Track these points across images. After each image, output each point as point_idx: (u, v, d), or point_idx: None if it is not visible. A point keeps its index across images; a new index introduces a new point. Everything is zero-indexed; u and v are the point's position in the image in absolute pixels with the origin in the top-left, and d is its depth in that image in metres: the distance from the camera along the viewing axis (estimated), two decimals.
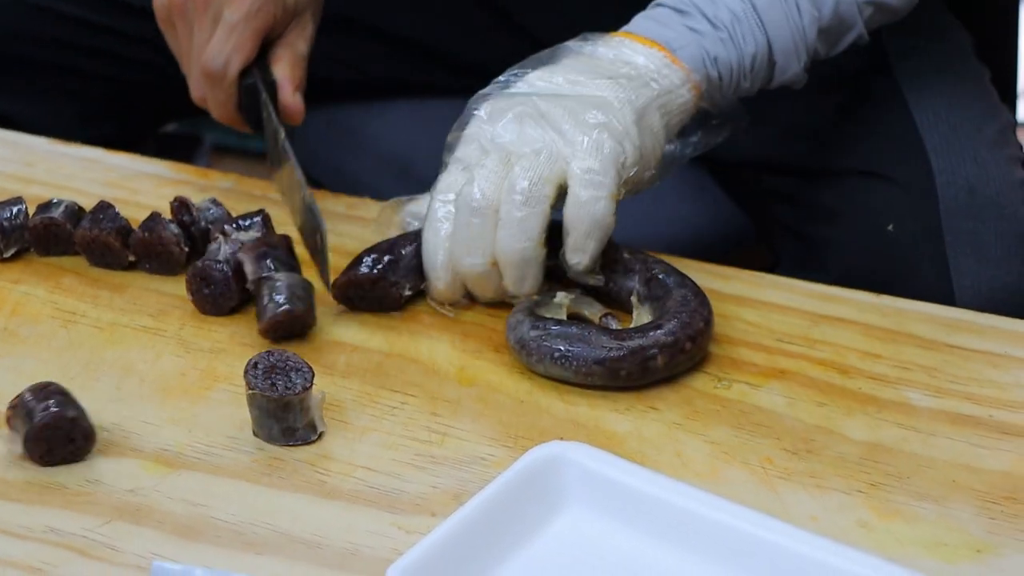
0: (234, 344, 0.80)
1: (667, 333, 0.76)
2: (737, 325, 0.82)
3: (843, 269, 0.93)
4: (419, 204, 0.86)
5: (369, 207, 0.95)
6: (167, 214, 0.88)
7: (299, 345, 0.80)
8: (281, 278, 0.80)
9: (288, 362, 0.72)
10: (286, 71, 0.94)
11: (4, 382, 0.76)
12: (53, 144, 1.02)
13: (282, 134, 0.89)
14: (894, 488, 0.70)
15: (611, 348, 0.75)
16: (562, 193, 0.79)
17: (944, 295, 0.88)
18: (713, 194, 1.11)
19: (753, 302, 0.85)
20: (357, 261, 0.82)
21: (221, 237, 0.83)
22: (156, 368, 0.78)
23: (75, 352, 0.79)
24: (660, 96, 0.82)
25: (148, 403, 0.75)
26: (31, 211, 0.88)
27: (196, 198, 0.89)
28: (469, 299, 0.83)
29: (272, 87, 0.93)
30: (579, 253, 0.79)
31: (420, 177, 1.01)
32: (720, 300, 0.83)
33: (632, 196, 0.83)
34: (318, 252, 0.83)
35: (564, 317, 0.80)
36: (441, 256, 0.81)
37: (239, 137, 2.09)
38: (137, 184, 0.97)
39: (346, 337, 0.81)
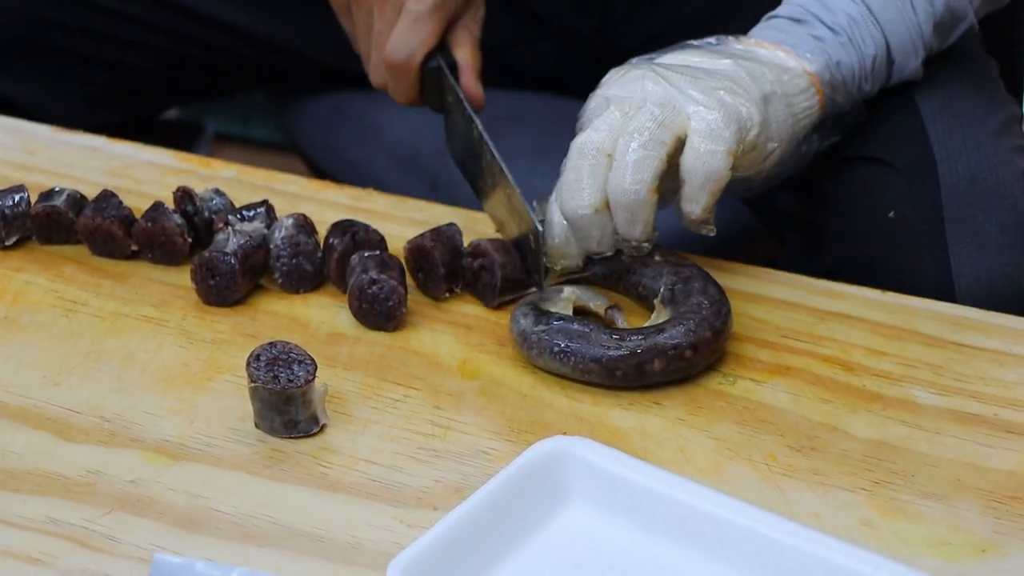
0: (236, 335, 0.80)
1: (669, 338, 0.75)
2: (742, 321, 0.81)
3: (844, 256, 0.92)
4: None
5: (375, 200, 0.94)
6: (170, 203, 0.87)
7: (301, 337, 0.80)
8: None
9: (291, 354, 0.72)
10: (467, 57, 0.94)
11: (4, 371, 0.76)
12: (56, 132, 1.01)
13: (478, 124, 0.88)
14: (898, 486, 0.69)
15: (610, 347, 0.75)
16: (680, 145, 0.78)
17: (944, 282, 0.87)
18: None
19: (759, 298, 0.84)
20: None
21: (229, 229, 0.83)
22: (158, 358, 0.78)
23: (76, 341, 0.79)
24: (786, 92, 0.83)
25: (149, 393, 0.75)
26: (33, 199, 0.88)
27: (199, 188, 0.89)
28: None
29: (452, 70, 0.93)
30: (692, 203, 0.78)
31: (426, 166, 1.01)
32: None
33: (761, 179, 0.83)
34: (529, 251, 0.82)
35: (570, 312, 0.80)
36: (556, 215, 0.80)
37: (242, 126, 2.09)
38: (140, 173, 0.97)
39: (348, 329, 0.81)
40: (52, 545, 0.64)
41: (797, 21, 0.87)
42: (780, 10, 0.89)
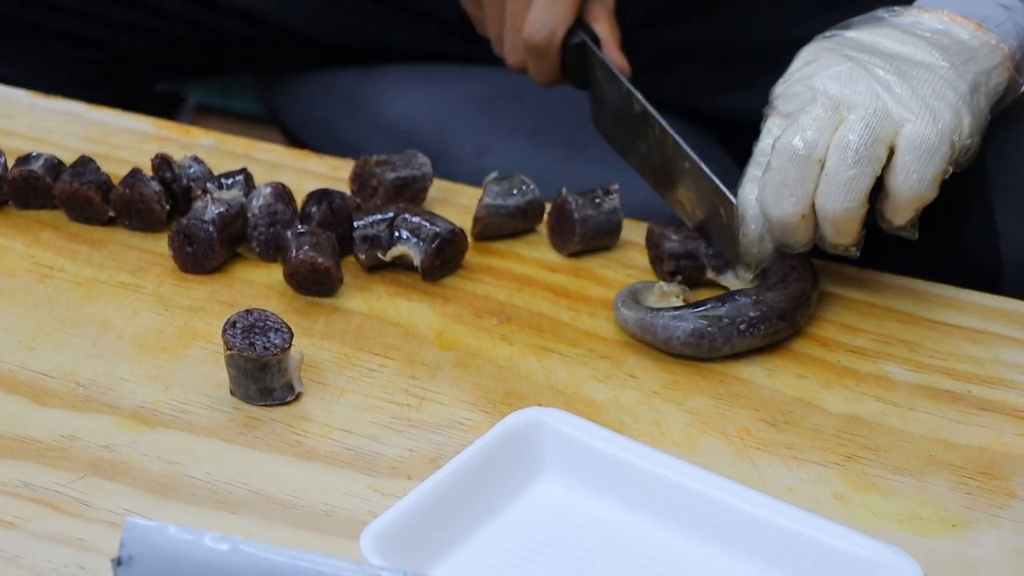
0: (213, 303, 0.80)
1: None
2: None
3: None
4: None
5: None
6: (148, 170, 0.87)
7: (278, 306, 0.79)
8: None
9: (267, 322, 0.72)
10: (607, 29, 0.93)
11: None
12: (34, 97, 1.01)
13: (640, 98, 0.86)
14: (871, 461, 0.70)
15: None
16: (889, 153, 0.75)
17: (990, 248, 0.87)
18: (722, 164, 1.10)
19: None
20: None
21: (207, 197, 0.83)
22: (134, 325, 0.78)
23: (52, 307, 0.79)
24: (985, 73, 0.79)
25: (125, 360, 0.75)
26: (10, 164, 0.88)
27: (178, 155, 0.89)
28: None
29: (595, 44, 0.91)
30: (896, 216, 0.76)
31: (422, 145, 1.00)
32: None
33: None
34: (722, 226, 0.79)
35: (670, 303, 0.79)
36: (752, 209, 0.77)
37: (222, 97, 2.08)
38: (119, 140, 0.96)
39: (325, 299, 0.81)
40: (25, 509, 0.64)
41: None
42: None
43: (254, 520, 0.64)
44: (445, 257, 0.82)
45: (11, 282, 0.81)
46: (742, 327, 0.75)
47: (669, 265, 0.82)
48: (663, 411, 0.73)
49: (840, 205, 0.74)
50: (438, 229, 0.82)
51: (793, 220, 0.75)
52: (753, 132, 1.05)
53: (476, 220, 0.85)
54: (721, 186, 0.79)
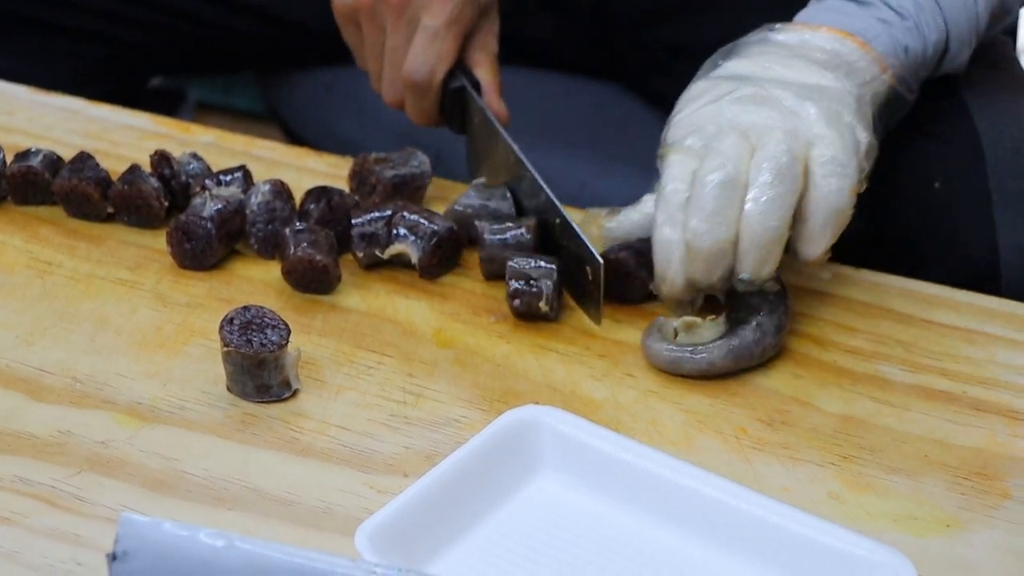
0: (211, 299, 0.80)
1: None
2: None
3: (888, 227, 0.92)
4: (618, 218, 0.82)
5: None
6: (147, 167, 0.87)
7: (276, 303, 0.80)
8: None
9: (264, 318, 0.72)
10: (488, 75, 0.92)
11: None
12: (34, 93, 1.01)
13: (515, 148, 0.85)
14: (866, 461, 0.70)
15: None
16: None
17: (989, 252, 0.87)
18: None
19: None
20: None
21: (206, 193, 0.83)
22: (132, 321, 0.78)
23: (50, 303, 0.79)
24: (867, 84, 0.80)
25: (123, 356, 0.75)
26: (9, 160, 0.88)
27: (177, 152, 0.89)
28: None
29: (475, 89, 0.91)
30: (812, 244, 0.75)
31: (423, 144, 1.00)
32: None
33: None
34: (586, 284, 0.78)
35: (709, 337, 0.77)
36: (676, 252, 0.75)
37: (224, 94, 2.08)
38: (118, 136, 0.96)
39: (324, 296, 0.81)
40: (21, 504, 0.64)
41: (860, 3, 0.84)
42: None
43: (250, 516, 0.65)
44: (443, 255, 0.82)
45: (9, 278, 0.81)
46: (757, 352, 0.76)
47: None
48: (660, 410, 0.73)
49: (769, 224, 0.73)
50: (436, 227, 0.82)
51: (724, 247, 0.74)
52: None
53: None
54: (589, 245, 0.78)
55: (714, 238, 0.73)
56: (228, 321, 0.72)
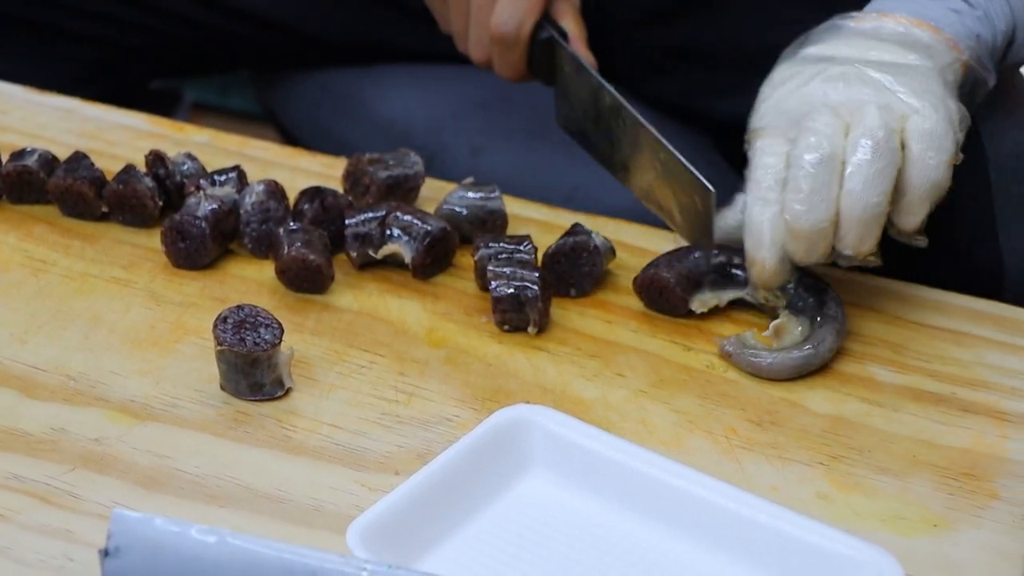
0: (204, 298, 0.80)
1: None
2: None
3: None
4: (722, 217, 0.81)
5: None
6: (142, 167, 0.87)
7: (270, 302, 0.80)
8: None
9: (257, 317, 0.72)
10: (574, 25, 0.93)
11: None
12: (29, 93, 1.01)
13: (611, 90, 0.85)
14: (855, 461, 0.70)
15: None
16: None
17: (992, 257, 0.88)
18: (721, 174, 1.10)
19: None
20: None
21: (200, 193, 0.83)
22: (125, 319, 0.78)
23: (44, 301, 0.79)
24: (949, 67, 0.80)
25: (116, 354, 0.75)
26: (4, 159, 0.88)
27: (172, 152, 0.89)
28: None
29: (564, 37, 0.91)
30: (911, 216, 0.75)
31: (419, 145, 1.00)
32: None
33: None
34: (697, 214, 0.78)
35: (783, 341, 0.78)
36: (768, 234, 0.75)
37: (220, 95, 2.08)
38: (113, 136, 0.97)
39: (317, 295, 0.81)
40: (14, 501, 0.65)
41: None
42: None
43: (242, 514, 0.65)
44: (436, 255, 0.83)
45: (4, 276, 0.81)
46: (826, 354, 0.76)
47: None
48: (650, 410, 0.73)
49: (869, 201, 0.73)
50: (429, 227, 0.82)
51: (825, 227, 0.74)
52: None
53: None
54: (698, 175, 0.78)
55: (815, 218, 0.73)
56: (222, 320, 0.72)
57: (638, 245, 0.86)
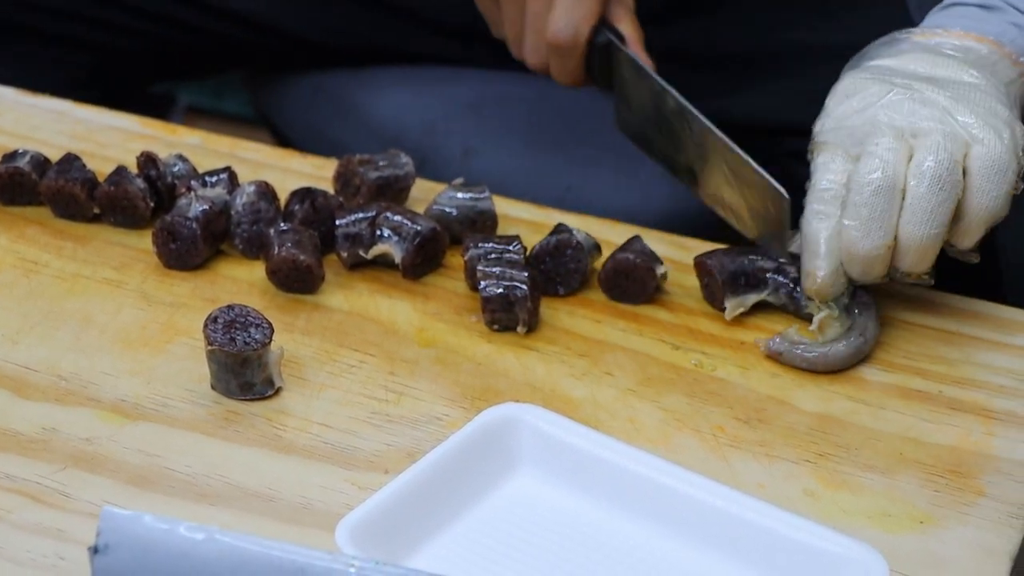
0: (195, 299, 0.81)
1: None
2: (696, 295, 0.83)
3: None
4: (797, 236, 0.81)
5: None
6: (134, 168, 0.88)
7: (260, 302, 0.80)
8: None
9: (248, 317, 0.73)
10: (631, 29, 0.93)
11: None
12: (21, 95, 1.01)
13: (675, 94, 0.85)
14: (842, 459, 0.71)
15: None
16: None
17: (990, 254, 0.87)
18: None
19: None
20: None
21: (192, 194, 0.84)
22: (117, 320, 0.78)
23: (36, 301, 0.80)
24: (1013, 84, 0.80)
25: (107, 354, 0.75)
26: None
27: (163, 153, 0.89)
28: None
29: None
30: (967, 239, 0.76)
31: (411, 147, 1.00)
32: (684, 271, 0.83)
33: None
34: (772, 220, 0.79)
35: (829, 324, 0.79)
36: (824, 246, 0.76)
37: (214, 98, 2.09)
38: (104, 137, 0.97)
39: (307, 296, 0.81)
40: (5, 500, 0.65)
41: (987, 8, 0.83)
42: None
43: (232, 512, 0.65)
44: (426, 255, 0.83)
45: None
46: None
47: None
48: (639, 408, 0.74)
49: (927, 231, 0.74)
50: (419, 228, 0.83)
51: (881, 252, 0.75)
52: (768, 133, 1.06)
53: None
54: (772, 181, 0.79)
55: (872, 243, 0.75)
56: (212, 320, 0.72)
57: None
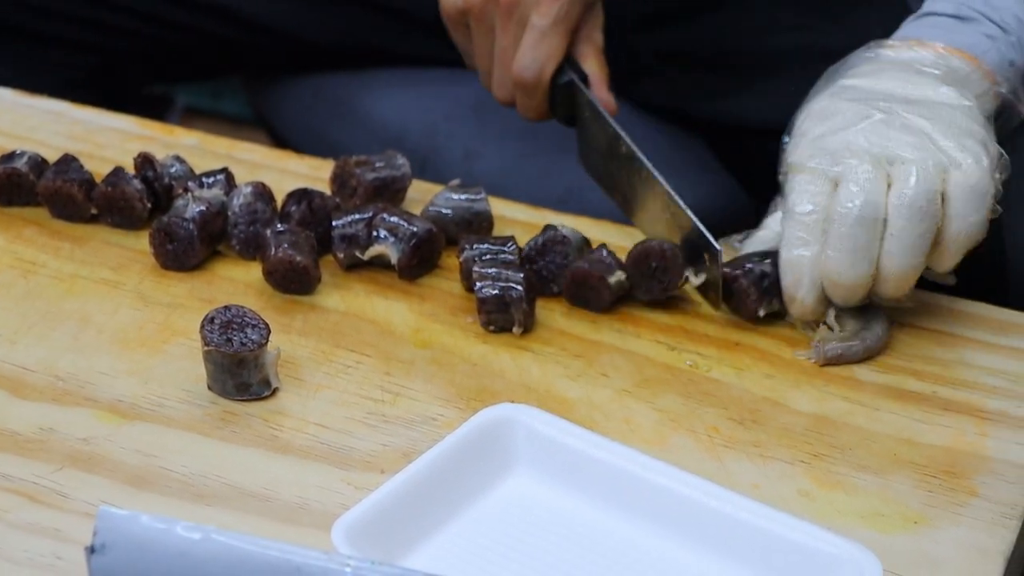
0: (192, 299, 0.81)
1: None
2: (691, 296, 0.83)
3: None
4: (749, 240, 0.83)
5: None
6: (131, 169, 0.88)
7: (257, 303, 0.81)
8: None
9: (244, 318, 0.73)
10: (596, 68, 0.93)
11: None
12: (18, 95, 1.02)
13: (626, 139, 0.86)
14: (836, 459, 0.71)
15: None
16: None
17: (996, 255, 0.88)
18: (714, 175, 1.11)
19: None
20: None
21: (189, 195, 0.84)
22: (114, 320, 0.79)
23: (33, 302, 0.80)
24: (983, 98, 0.80)
25: (105, 354, 0.76)
26: None
27: (160, 154, 0.90)
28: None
29: (583, 82, 0.92)
30: (944, 263, 0.77)
31: (412, 149, 1.00)
32: None
33: None
34: (705, 270, 0.80)
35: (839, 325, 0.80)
36: (808, 276, 0.77)
37: (213, 99, 2.09)
38: (102, 138, 0.97)
39: (304, 296, 0.82)
40: (3, 500, 0.65)
41: (961, 19, 0.83)
42: (937, 6, 0.84)
43: (229, 512, 0.66)
44: (422, 256, 0.83)
45: None
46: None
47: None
48: (634, 409, 0.74)
49: (908, 262, 0.75)
50: (415, 229, 0.83)
51: (865, 281, 0.76)
52: (740, 136, 1.06)
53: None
54: (706, 233, 0.79)
55: (857, 274, 0.75)
56: (209, 320, 0.73)
57: (627, 247, 0.87)
